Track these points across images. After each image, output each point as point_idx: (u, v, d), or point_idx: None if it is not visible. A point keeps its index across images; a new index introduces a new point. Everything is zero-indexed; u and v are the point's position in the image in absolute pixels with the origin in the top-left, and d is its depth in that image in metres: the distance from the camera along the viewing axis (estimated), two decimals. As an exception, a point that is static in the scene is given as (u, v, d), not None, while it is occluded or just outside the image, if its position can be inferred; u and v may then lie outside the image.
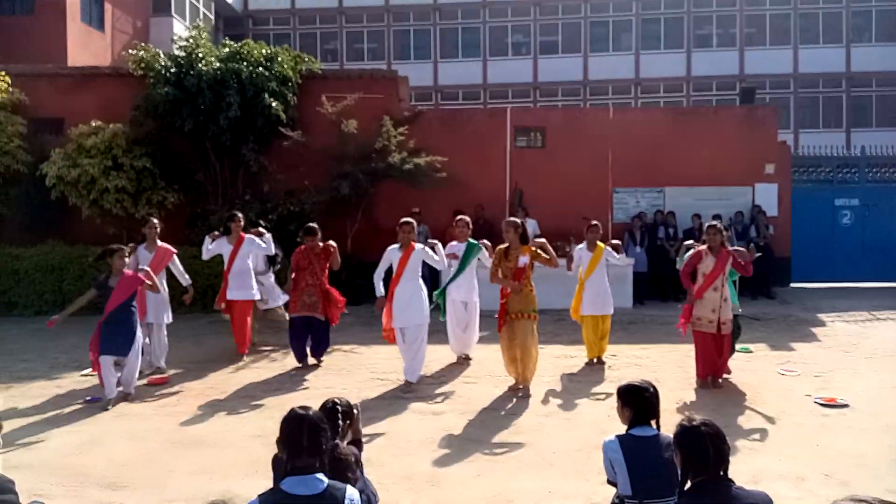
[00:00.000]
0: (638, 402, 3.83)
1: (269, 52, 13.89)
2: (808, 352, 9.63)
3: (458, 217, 9.32)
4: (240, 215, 9.54)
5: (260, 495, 2.95)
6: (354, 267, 12.88)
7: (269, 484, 3.36)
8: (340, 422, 3.85)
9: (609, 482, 3.83)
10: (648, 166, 14.63)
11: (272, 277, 10.07)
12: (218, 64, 13.28)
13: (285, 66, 13.83)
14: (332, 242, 8.89)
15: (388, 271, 8.15)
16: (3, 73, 13.91)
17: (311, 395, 7.41)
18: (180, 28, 23.47)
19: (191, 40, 13.89)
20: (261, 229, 9.61)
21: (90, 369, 7.95)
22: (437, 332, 9.40)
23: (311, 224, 9.07)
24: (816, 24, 29.51)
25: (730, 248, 7.85)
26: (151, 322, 8.82)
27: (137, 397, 7.71)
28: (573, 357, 9.29)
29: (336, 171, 13.49)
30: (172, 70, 13.30)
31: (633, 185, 14.83)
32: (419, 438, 6.35)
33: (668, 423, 3.71)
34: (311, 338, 8.93)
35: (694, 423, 3.14)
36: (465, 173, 14.05)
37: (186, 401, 7.63)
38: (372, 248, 12.33)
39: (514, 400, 7.49)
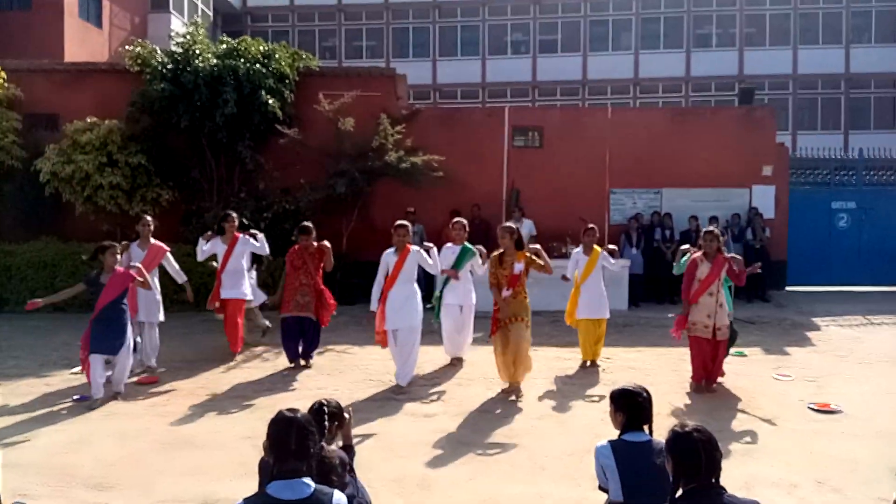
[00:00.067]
0: (631, 407, 3.78)
1: (266, 48, 13.81)
2: (802, 356, 9.60)
3: (455, 220, 9.25)
4: (234, 215, 9.49)
5: (245, 499, 2.90)
6: (349, 266, 12.85)
7: (257, 487, 3.32)
8: (327, 423, 3.80)
9: (600, 488, 3.79)
10: (646, 167, 14.58)
11: (255, 277, 9.99)
12: (215, 60, 13.21)
13: (283, 63, 13.76)
14: (325, 243, 8.83)
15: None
16: (-1, 67, 13.86)
17: (303, 396, 7.36)
18: (178, 24, 23.37)
19: (188, 37, 13.81)
20: (253, 230, 9.56)
21: (80, 367, 7.89)
22: (431, 333, 9.36)
23: (305, 223, 9.01)
24: (816, 24, 29.51)
25: (726, 255, 7.80)
26: (143, 321, 8.77)
27: (127, 396, 7.66)
28: (567, 359, 9.25)
29: (332, 170, 13.43)
30: (169, 66, 13.22)
31: (631, 185, 14.78)
32: (411, 440, 6.30)
33: (661, 427, 3.67)
34: (302, 339, 8.88)
35: (686, 429, 3.10)
36: (462, 172, 14.00)
37: (177, 400, 7.58)
38: (367, 247, 12.34)
39: (507, 402, 7.45)
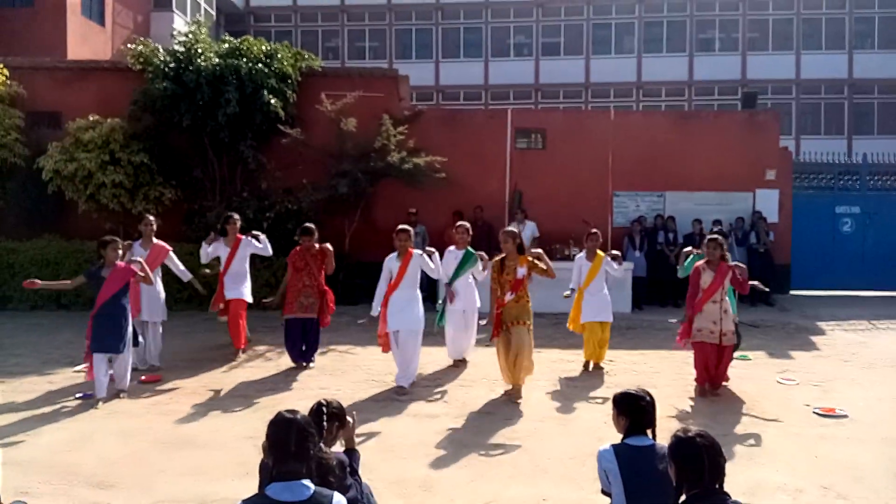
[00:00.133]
0: (634, 410, 3.76)
1: (268, 48, 13.79)
2: (806, 360, 9.56)
3: (459, 223, 9.21)
4: (236, 216, 9.48)
5: (244, 501, 2.87)
6: (352, 267, 12.82)
7: (257, 488, 3.29)
8: (326, 423, 3.77)
9: (603, 492, 3.76)
10: (649, 170, 14.56)
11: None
12: (217, 60, 13.19)
13: (285, 62, 13.75)
14: (327, 245, 8.79)
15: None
16: (1, 65, 13.83)
17: (305, 396, 7.33)
18: (181, 23, 23.37)
19: (190, 35, 13.80)
20: (255, 232, 9.54)
21: (82, 366, 7.86)
22: (434, 335, 9.35)
23: (307, 224, 8.97)
24: (819, 29, 29.49)
25: (730, 263, 7.76)
26: (146, 320, 8.76)
27: (130, 394, 7.63)
28: (570, 361, 9.22)
29: (334, 170, 13.41)
30: (171, 65, 13.21)
31: (634, 188, 14.76)
32: (412, 442, 6.28)
33: (665, 431, 3.64)
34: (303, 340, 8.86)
35: (689, 434, 3.07)
36: (464, 174, 13.98)
37: (179, 399, 7.56)
38: (370, 247, 12.32)
39: (510, 404, 7.42)
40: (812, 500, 5.12)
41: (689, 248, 8.94)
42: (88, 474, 5.50)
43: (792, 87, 29.37)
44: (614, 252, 9.31)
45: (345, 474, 3.74)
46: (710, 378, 7.75)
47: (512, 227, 8.56)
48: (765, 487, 5.29)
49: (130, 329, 7.62)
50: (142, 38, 14.61)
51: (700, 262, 7.86)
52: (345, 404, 4.12)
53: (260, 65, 13.27)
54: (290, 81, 13.84)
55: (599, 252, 8.94)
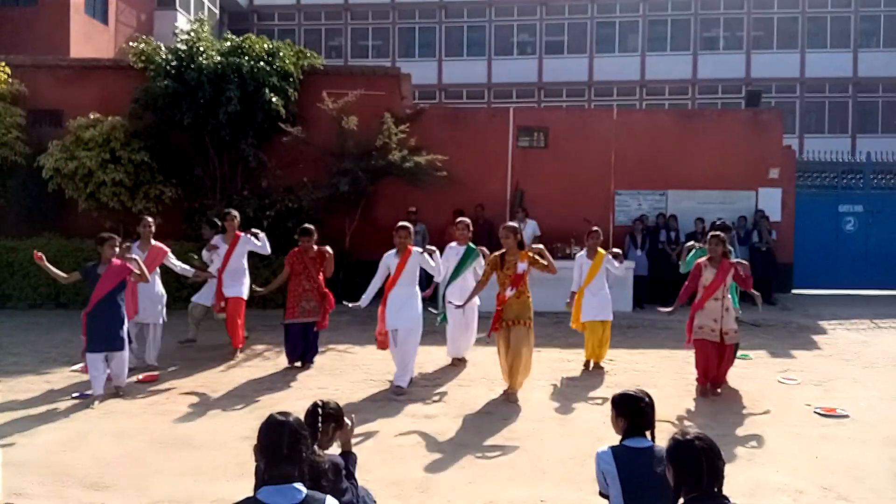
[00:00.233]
0: (633, 412, 3.72)
1: (270, 46, 13.75)
2: (808, 360, 9.50)
3: (459, 219, 9.19)
4: (234, 213, 9.44)
5: (235, 504, 2.84)
6: (352, 265, 12.78)
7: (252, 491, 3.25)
8: (321, 425, 3.73)
9: (601, 494, 3.72)
10: (651, 169, 14.51)
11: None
12: (218, 58, 13.16)
13: (287, 61, 13.71)
14: (327, 248, 8.73)
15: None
16: (3, 63, 13.82)
17: (303, 396, 7.30)
18: (184, 22, 23.37)
19: (192, 34, 13.77)
20: (255, 230, 9.50)
21: (79, 365, 7.83)
22: (433, 333, 9.31)
23: (307, 225, 8.90)
24: (824, 28, 29.37)
25: (732, 260, 7.70)
26: (143, 322, 8.75)
27: (127, 394, 7.60)
28: (570, 361, 9.18)
29: (335, 168, 13.36)
30: (173, 63, 13.17)
31: (636, 187, 14.70)
32: (410, 442, 6.24)
33: (664, 431, 3.60)
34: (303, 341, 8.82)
35: (687, 437, 3.03)
36: (466, 172, 13.93)
37: (176, 399, 7.52)
38: (370, 246, 12.25)
39: (508, 404, 7.37)
40: (812, 501, 5.07)
41: (692, 243, 8.90)
42: (83, 475, 5.47)
43: (796, 85, 29.26)
44: (615, 250, 9.25)
45: (339, 478, 3.70)
46: (711, 377, 7.70)
47: (513, 223, 8.49)
48: (765, 488, 5.24)
49: (126, 327, 7.59)
50: (144, 37, 14.60)
51: (702, 259, 7.80)
52: (342, 404, 4.09)
53: (262, 63, 13.23)
54: (291, 80, 13.80)
55: (600, 250, 8.88)
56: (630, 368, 8.95)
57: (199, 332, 9.57)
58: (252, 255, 9.73)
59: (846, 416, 7.01)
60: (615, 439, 3.74)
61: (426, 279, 8.46)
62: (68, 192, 12.92)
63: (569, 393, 7.84)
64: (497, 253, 7.71)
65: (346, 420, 3.98)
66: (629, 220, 14.43)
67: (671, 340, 10.31)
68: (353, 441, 4.21)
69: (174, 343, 9.48)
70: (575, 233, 12.49)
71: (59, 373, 8.48)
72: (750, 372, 8.68)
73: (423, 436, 6.38)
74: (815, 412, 7.14)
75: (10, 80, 13.79)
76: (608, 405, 3.94)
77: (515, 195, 14.39)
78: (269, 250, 9.43)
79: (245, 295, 9.30)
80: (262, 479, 2.90)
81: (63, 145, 12.79)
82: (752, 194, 14.64)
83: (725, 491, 2.93)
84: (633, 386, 4.13)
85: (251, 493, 2.91)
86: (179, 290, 11.35)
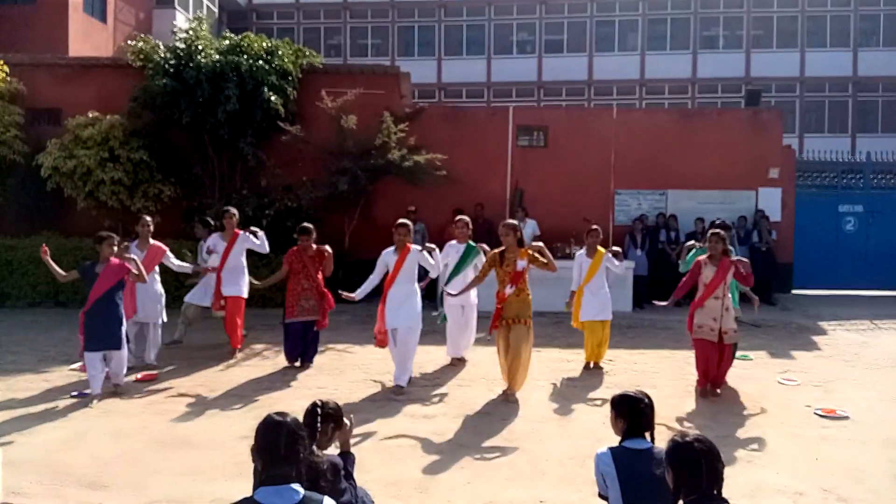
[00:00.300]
0: (632, 413, 3.71)
1: (269, 45, 13.73)
2: (808, 360, 9.49)
3: (458, 217, 9.18)
4: (233, 210, 9.42)
5: (231, 505, 2.83)
6: (351, 264, 12.76)
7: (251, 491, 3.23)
8: (320, 424, 3.72)
9: (600, 495, 3.71)
10: (651, 168, 14.49)
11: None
12: (217, 56, 13.14)
13: (286, 59, 13.69)
14: (327, 247, 8.71)
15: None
16: (2, 62, 13.80)
17: (302, 395, 7.29)
18: (183, 20, 23.34)
19: (191, 32, 13.75)
20: (253, 228, 9.48)
21: (78, 364, 7.82)
22: (433, 333, 9.29)
23: (306, 224, 8.88)
24: (824, 27, 29.35)
25: (732, 258, 7.69)
26: (142, 321, 8.74)
27: (125, 393, 7.58)
28: (570, 361, 9.16)
29: (335, 167, 13.35)
30: (171, 62, 13.16)
31: (636, 186, 14.69)
32: (409, 442, 6.22)
33: (664, 432, 3.58)
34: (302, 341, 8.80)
35: (687, 438, 3.02)
36: (465, 172, 13.91)
37: (175, 398, 7.50)
38: (370, 245, 12.22)
39: (508, 405, 7.36)
40: (812, 503, 5.06)
41: (692, 242, 8.89)
42: (81, 474, 5.45)
43: (796, 84, 29.25)
44: (615, 248, 9.24)
45: (337, 478, 3.69)
46: (712, 378, 7.68)
47: (513, 221, 8.48)
48: (765, 489, 5.22)
49: (125, 326, 7.57)
50: (143, 35, 14.57)
51: (702, 257, 7.78)
52: (341, 404, 4.07)
53: (260, 62, 13.22)
54: (290, 78, 13.78)
55: (600, 248, 8.87)
56: (630, 369, 8.94)
57: (192, 331, 9.58)
58: (251, 254, 9.70)
59: (846, 418, 6.99)
60: (615, 440, 3.73)
61: (422, 275, 8.41)
62: (67, 190, 12.91)
63: (568, 393, 7.82)
64: (497, 250, 7.70)
65: (346, 420, 3.97)
66: (629, 219, 14.42)
67: (671, 340, 10.31)
68: (352, 441, 4.19)
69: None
70: (575, 232, 12.48)
71: (58, 371, 8.47)
72: (750, 373, 8.66)
73: (422, 436, 6.36)
74: (815, 413, 7.13)
75: (8, 78, 13.77)
76: (607, 406, 3.93)
77: (515, 194, 14.37)
78: (267, 249, 9.41)
79: (245, 294, 9.28)
80: (259, 480, 2.90)
81: (62, 144, 12.77)
82: (751, 194, 14.63)
83: (725, 493, 2.92)
84: (632, 386, 4.12)
85: (249, 493, 2.91)
86: (179, 289, 11.28)
